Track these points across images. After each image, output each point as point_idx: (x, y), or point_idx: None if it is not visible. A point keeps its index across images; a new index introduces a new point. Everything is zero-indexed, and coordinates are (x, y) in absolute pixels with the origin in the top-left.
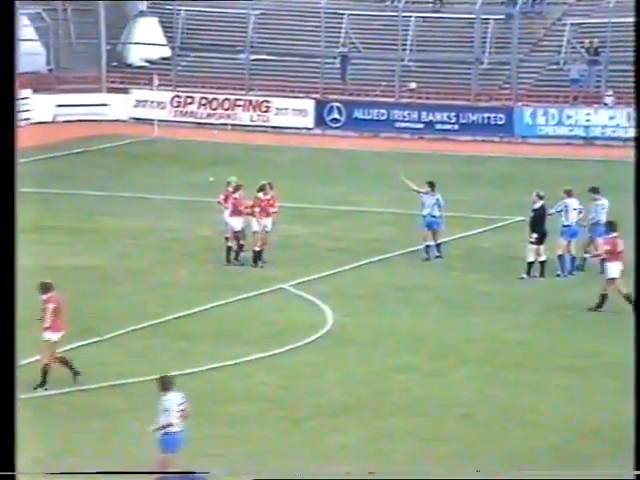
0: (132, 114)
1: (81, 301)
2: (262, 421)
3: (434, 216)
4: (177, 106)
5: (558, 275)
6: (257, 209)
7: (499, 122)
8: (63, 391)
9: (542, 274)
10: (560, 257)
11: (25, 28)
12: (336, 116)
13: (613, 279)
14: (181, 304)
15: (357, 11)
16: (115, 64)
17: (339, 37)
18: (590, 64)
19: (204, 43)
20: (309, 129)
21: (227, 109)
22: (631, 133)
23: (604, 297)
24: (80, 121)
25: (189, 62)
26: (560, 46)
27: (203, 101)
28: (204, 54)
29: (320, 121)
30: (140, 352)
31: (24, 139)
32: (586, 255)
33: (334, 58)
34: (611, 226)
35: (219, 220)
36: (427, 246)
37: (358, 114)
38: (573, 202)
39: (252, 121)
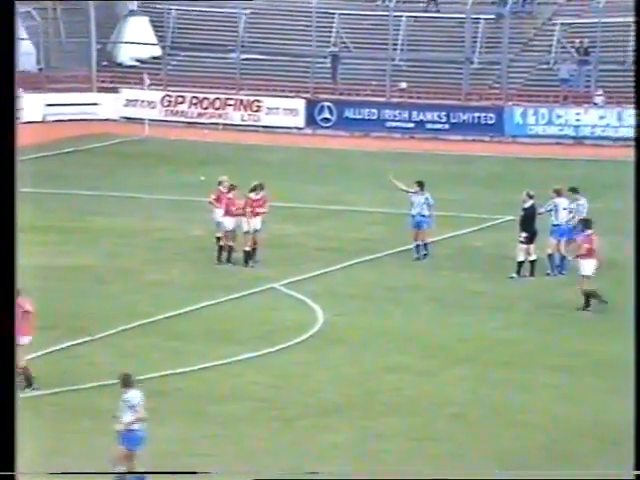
0: (122, 113)
1: (72, 301)
2: (253, 421)
3: (423, 215)
4: (168, 105)
5: (548, 274)
6: (249, 209)
7: (489, 122)
8: (52, 391)
9: (532, 273)
10: (550, 256)
11: None
12: (327, 116)
13: (587, 276)
14: (172, 304)
15: (348, 10)
16: (105, 63)
17: (330, 36)
18: (580, 64)
19: (195, 42)
20: (300, 129)
21: (218, 108)
22: (621, 133)
23: (587, 295)
24: (70, 120)
25: (180, 61)
26: (550, 46)
27: (194, 100)
28: (195, 53)
29: (311, 120)
30: (131, 352)
31: None
32: (566, 254)
33: (325, 57)
34: (586, 224)
35: (210, 220)
36: (417, 245)
37: (349, 114)
38: (563, 201)
39: (243, 120)
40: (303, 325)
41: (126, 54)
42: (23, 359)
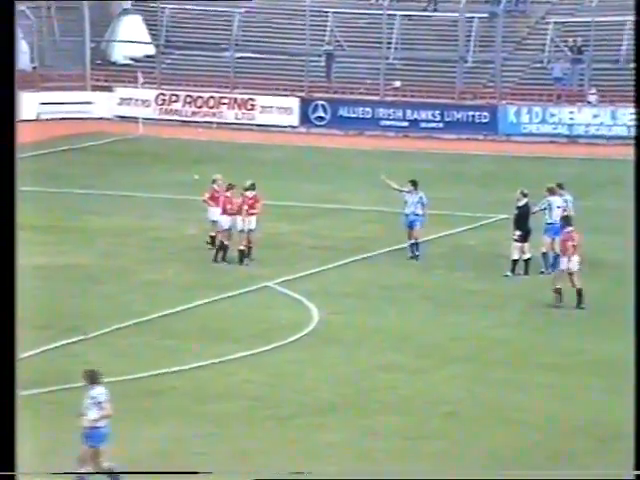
0: (116, 112)
1: (66, 300)
2: (248, 419)
3: (417, 214)
4: (162, 104)
5: (542, 272)
6: (245, 207)
7: (483, 120)
8: (47, 390)
9: (526, 272)
10: (544, 254)
11: None
12: (321, 114)
13: (574, 272)
14: (167, 302)
15: (342, 9)
16: (99, 62)
17: (324, 35)
18: (573, 62)
19: (189, 41)
20: (294, 127)
21: (212, 107)
22: (615, 131)
23: (579, 292)
24: (64, 119)
25: (174, 60)
26: (544, 45)
27: (188, 99)
28: (189, 52)
29: (305, 119)
30: (125, 351)
31: None
32: (552, 253)
33: (319, 56)
34: (567, 221)
35: (205, 218)
36: (412, 244)
37: (343, 112)
38: (557, 200)
39: (237, 119)
40: (298, 324)
41: (120, 53)
42: None
